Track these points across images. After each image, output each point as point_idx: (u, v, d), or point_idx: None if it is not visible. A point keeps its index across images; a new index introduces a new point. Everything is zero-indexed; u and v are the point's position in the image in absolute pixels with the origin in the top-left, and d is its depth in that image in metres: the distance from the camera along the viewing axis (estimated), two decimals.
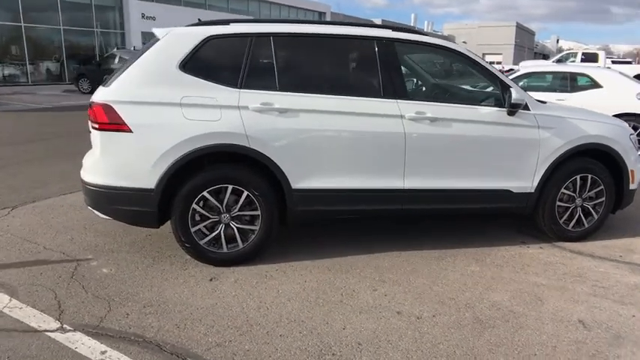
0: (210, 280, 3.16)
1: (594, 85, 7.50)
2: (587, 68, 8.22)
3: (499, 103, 3.61)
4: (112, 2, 25.84)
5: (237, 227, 3.30)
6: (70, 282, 3.08)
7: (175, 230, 3.23)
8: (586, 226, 3.95)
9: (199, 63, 3.20)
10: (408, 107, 3.40)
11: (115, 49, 20.78)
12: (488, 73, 3.64)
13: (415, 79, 4.59)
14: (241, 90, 3.19)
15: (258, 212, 3.29)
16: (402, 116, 3.38)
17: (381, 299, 2.95)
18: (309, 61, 3.47)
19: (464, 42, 50.18)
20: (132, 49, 20.41)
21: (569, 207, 3.88)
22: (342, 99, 3.32)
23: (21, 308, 2.76)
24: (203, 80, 3.17)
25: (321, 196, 3.35)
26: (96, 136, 3.11)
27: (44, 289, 2.98)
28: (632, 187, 3.98)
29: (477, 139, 3.54)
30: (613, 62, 22.98)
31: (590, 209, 3.93)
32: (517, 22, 73.61)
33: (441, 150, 3.49)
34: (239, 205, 3.26)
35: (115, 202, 3.15)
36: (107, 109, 3.04)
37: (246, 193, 3.23)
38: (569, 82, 7.75)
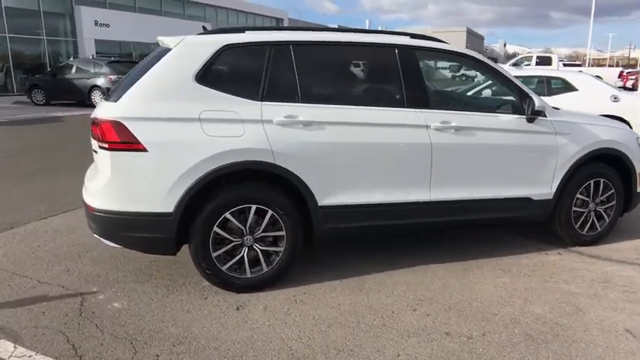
0: (237, 308, 2.91)
1: (570, 88, 7.74)
2: (563, 72, 8.50)
3: (516, 110, 3.58)
4: (61, 9, 24.61)
5: (261, 249, 3.07)
6: (80, 321, 2.75)
7: (195, 256, 2.96)
8: (599, 229, 3.98)
9: (216, 74, 2.96)
10: (433, 117, 3.29)
11: (72, 59, 19.79)
12: (506, 80, 3.60)
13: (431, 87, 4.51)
14: (263, 102, 2.97)
15: (283, 232, 3.07)
16: (427, 126, 3.26)
17: (424, 320, 2.81)
18: (331, 70, 3.30)
19: None
20: (91, 57, 19.45)
21: (584, 212, 3.90)
22: (366, 110, 3.17)
23: (30, 357, 2.42)
24: (221, 93, 2.93)
25: (348, 212, 3.18)
26: (105, 156, 2.80)
27: (52, 331, 2.64)
28: (639, 189, 4.05)
29: (499, 147, 3.48)
30: (564, 65, 24.17)
31: (603, 213, 3.96)
32: (467, 28, 76.32)
33: (465, 160, 3.40)
34: (263, 226, 3.03)
35: (128, 228, 2.85)
36: (118, 126, 2.75)
37: (270, 212, 3.01)
38: (546, 86, 7.97)
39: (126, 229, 2.85)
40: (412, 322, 2.79)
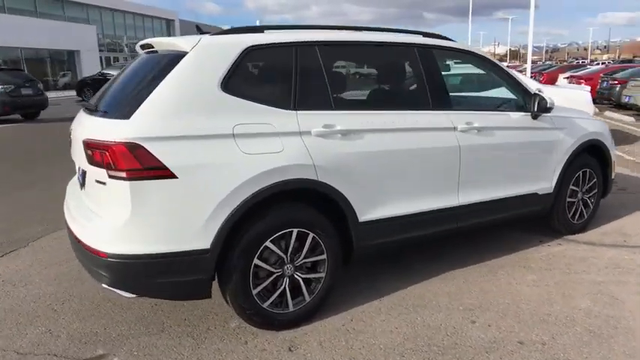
0: (290, 349, 2.53)
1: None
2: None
3: (519, 108, 3.62)
4: None
5: (302, 278, 2.71)
6: None
7: (234, 296, 2.51)
8: (585, 217, 4.21)
9: (242, 80, 2.53)
10: (458, 118, 3.19)
11: None
12: (512, 78, 3.62)
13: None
14: (298, 112, 2.62)
15: (324, 256, 2.75)
16: (454, 128, 3.15)
17: (490, 332, 2.68)
18: (359, 72, 3.03)
19: None
20: None
21: (574, 201, 4.09)
22: (399, 114, 2.96)
23: None
24: (252, 102, 2.51)
25: (387, 226, 2.94)
26: (120, 188, 2.23)
27: None
28: (612, 176, 4.37)
29: (513, 145, 3.49)
30: (455, 63, 26.02)
31: (588, 201, 4.20)
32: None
33: (486, 160, 3.36)
34: (305, 251, 2.68)
35: (155, 274, 2.31)
36: (136, 149, 2.21)
37: (311, 235, 2.67)
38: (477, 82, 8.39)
39: (152, 275, 2.31)
40: (480, 335, 2.65)
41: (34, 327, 2.80)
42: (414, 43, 3.13)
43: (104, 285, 2.40)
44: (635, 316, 2.82)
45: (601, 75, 16.38)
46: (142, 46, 2.98)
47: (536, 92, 3.56)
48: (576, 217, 4.13)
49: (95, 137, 2.32)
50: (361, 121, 2.79)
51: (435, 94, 3.14)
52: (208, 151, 2.33)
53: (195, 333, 2.70)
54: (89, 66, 30.45)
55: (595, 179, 4.17)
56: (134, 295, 2.41)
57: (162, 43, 2.64)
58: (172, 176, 2.24)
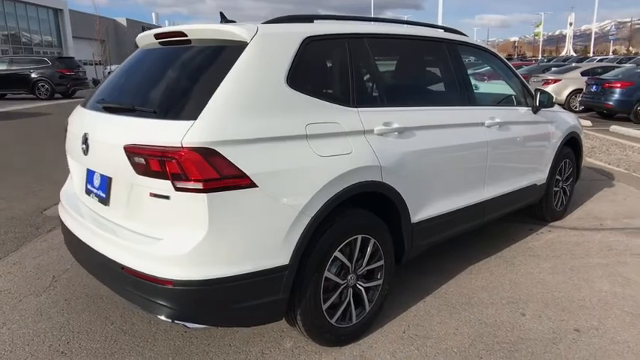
0: None
1: None
2: None
3: (518, 103, 3.76)
4: None
5: (364, 287, 2.53)
6: None
7: (304, 315, 2.26)
8: (564, 203, 4.53)
9: (304, 75, 2.27)
10: (484, 114, 3.22)
11: None
12: (515, 75, 3.74)
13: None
14: (359, 109, 2.42)
15: (382, 262, 2.60)
16: (482, 123, 3.17)
17: (544, 323, 2.73)
18: (403, 66, 2.92)
19: None
20: None
21: (557, 190, 4.37)
22: (443, 110, 2.91)
23: None
24: (316, 99, 2.27)
25: (435, 224, 2.88)
26: (194, 202, 1.87)
27: None
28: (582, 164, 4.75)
29: (523, 139, 3.62)
30: None
31: (566, 189, 4.51)
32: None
33: (505, 154, 3.44)
34: (366, 258, 2.51)
35: (233, 299, 1.99)
36: (210, 155, 1.87)
37: (372, 241, 2.51)
38: None
39: (229, 300, 1.99)
40: (537, 327, 2.69)
41: None
42: (453, 40, 3.11)
43: (162, 317, 2.02)
44: None
45: None
46: (157, 36, 2.56)
47: (538, 88, 3.72)
48: (558, 204, 4.42)
49: (149, 142, 1.93)
50: (412, 117, 2.68)
51: (468, 90, 3.14)
52: (285, 154, 2.06)
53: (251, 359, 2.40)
54: None
55: (572, 168, 4.50)
56: (200, 326, 2.06)
57: (207, 31, 2.26)
58: (253, 185, 1.94)
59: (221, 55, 2.15)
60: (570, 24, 71.14)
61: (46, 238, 4.08)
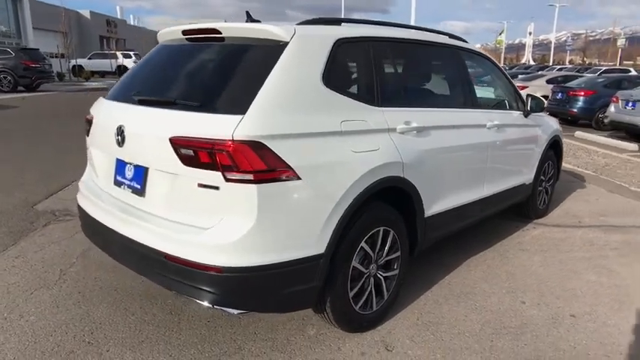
0: (387, 349, 2.50)
1: None
2: None
3: (510, 107, 4.01)
4: None
5: (383, 276, 2.68)
6: None
7: (334, 302, 2.39)
8: (546, 202, 4.84)
9: (337, 75, 2.41)
10: (485, 116, 3.44)
11: None
12: (509, 81, 4.00)
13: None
14: (383, 108, 2.58)
15: (399, 253, 2.76)
16: (484, 125, 3.39)
17: (543, 309, 2.96)
18: (420, 70, 3.09)
19: None
20: None
21: (541, 190, 4.67)
22: (455, 112, 3.15)
23: None
24: (348, 98, 2.41)
25: (445, 218, 3.07)
26: (245, 192, 1.96)
27: None
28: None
29: (516, 140, 3.87)
30: None
31: (549, 189, 4.83)
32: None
33: (501, 154, 3.67)
34: (387, 249, 2.66)
35: (275, 286, 2.10)
36: (259, 148, 1.97)
37: (392, 232, 2.66)
38: None
39: (272, 286, 2.09)
40: (538, 314, 2.91)
41: None
42: (460, 47, 3.33)
43: (205, 303, 2.09)
44: (635, 283, 3.36)
45: None
46: (185, 32, 2.63)
47: (529, 94, 3.99)
48: (541, 203, 4.73)
49: (198, 135, 2.01)
50: (428, 117, 2.86)
51: (472, 93, 3.35)
52: (325, 148, 2.19)
53: (278, 346, 2.50)
54: None
55: (553, 170, 4.81)
56: (242, 312, 2.15)
57: (242, 29, 2.35)
58: (297, 177, 2.06)
59: (261, 53, 2.25)
60: (530, 33, 74.04)
61: (44, 233, 4.03)
